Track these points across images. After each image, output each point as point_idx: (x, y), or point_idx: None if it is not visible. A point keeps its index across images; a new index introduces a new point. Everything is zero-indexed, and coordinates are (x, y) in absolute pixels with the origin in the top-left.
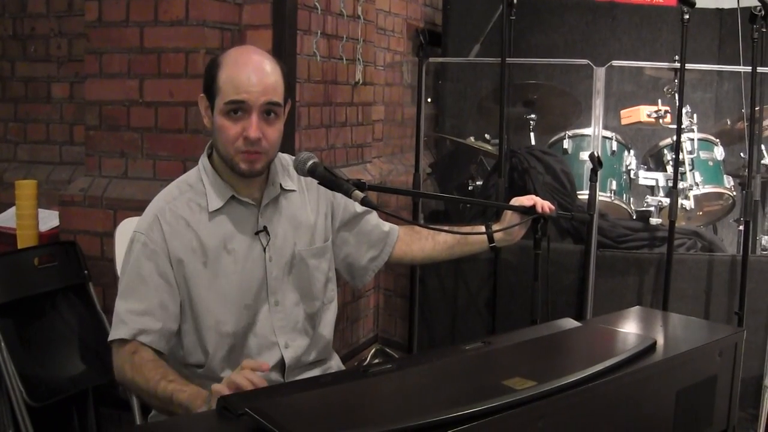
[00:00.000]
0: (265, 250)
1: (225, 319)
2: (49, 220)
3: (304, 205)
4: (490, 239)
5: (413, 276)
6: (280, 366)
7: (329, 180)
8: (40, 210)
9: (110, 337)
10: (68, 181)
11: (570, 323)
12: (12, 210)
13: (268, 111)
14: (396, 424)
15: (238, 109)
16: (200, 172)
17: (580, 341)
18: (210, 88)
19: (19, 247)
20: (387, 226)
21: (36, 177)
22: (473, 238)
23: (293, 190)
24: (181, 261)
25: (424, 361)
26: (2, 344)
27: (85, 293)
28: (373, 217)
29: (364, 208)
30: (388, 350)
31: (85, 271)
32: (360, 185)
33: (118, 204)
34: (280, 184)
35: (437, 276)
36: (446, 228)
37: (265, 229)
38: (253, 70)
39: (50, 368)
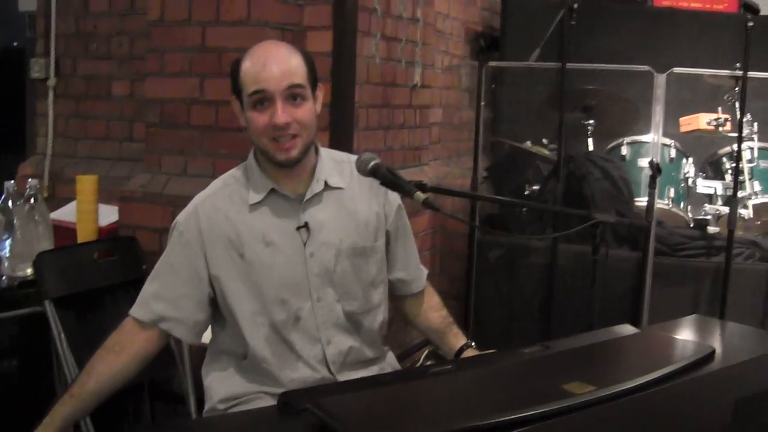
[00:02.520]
0: (305, 245)
1: (262, 311)
2: (109, 215)
3: (352, 204)
4: (457, 355)
5: (469, 279)
6: (324, 361)
7: (391, 181)
8: (99, 205)
9: (130, 312)
10: (127, 177)
11: (628, 329)
12: (72, 205)
13: (293, 96)
14: (456, 425)
15: (262, 99)
16: (247, 166)
17: (638, 348)
18: (236, 88)
19: (79, 241)
20: (421, 267)
21: (95, 173)
22: (448, 344)
23: (340, 188)
24: (217, 253)
25: (483, 363)
26: (62, 336)
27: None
28: (415, 249)
29: (409, 230)
30: (440, 353)
31: (144, 266)
32: (422, 186)
33: (177, 201)
34: (326, 181)
35: (492, 280)
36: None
37: (306, 225)
38: (269, 59)
39: None
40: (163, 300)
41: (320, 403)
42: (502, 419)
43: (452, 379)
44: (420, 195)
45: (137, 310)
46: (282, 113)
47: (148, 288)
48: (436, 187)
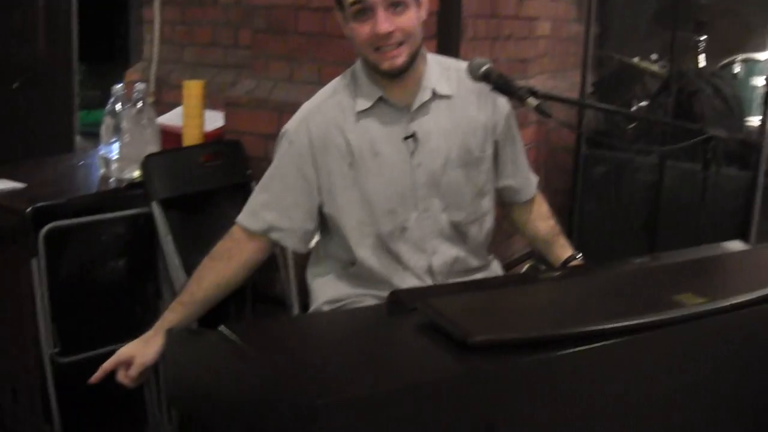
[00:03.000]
0: (413, 155)
1: (368, 221)
2: (214, 121)
3: (460, 112)
4: (563, 265)
5: (572, 195)
6: (429, 271)
7: (503, 86)
8: (205, 111)
9: (237, 219)
10: (233, 83)
11: (739, 245)
12: (178, 110)
13: (395, 4)
14: (565, 329)
15: (363, 9)
16: (353, 74)
17: (750, 263)
18: (338, 1)
19: (185, 145)
20: (531, 175)
21: (201, 79)
22: (555, 254)
23: (448, 96)
24: (326, 161)
25: (593, 270)
26: (168, 237)
27: (247, 192)
28: (524, 156)
29: (519, 137)
30: (542, 267)
31: (249, 171)
32: (533, 92)
33: (283, 107)
34: (433, 89)
35: (596, 196)
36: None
37: (413, 134)
38: None
39: None
40: (273, 209)
41: (430, 303)
42: (613, 326)
43: (562, 285)
44: (532, 100)
45: (246, 219)
46: (383, 22)
47: (258, 197)
48: (547, 94)
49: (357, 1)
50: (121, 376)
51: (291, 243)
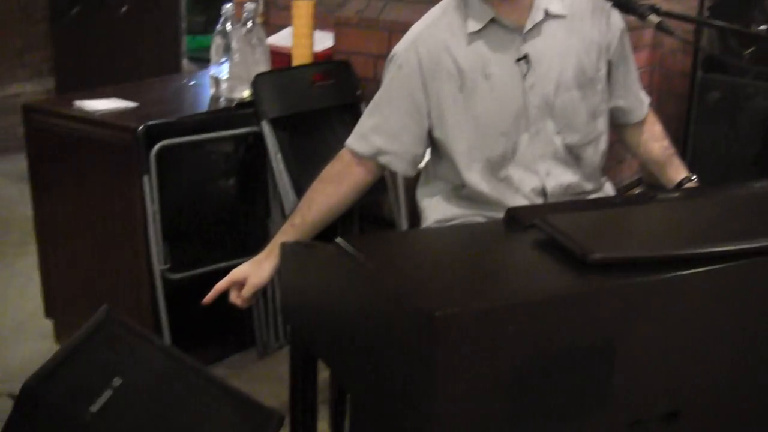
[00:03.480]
0: (525, 77)
1: (478, 144)
2: (323, 41)
3: (573, 33)
4: (678, 186)
5: (687, 121)
6: (542, 194)
7: (624, 1)
8: (314, 31)
9: (347, 142)
10: (342, 3)
11: None
12: (286, 30)
13: None
14: (684, 249)
15: None
16: None
17: None
18: None
19: (295, 65)
20: (643, 95)
21: None
22: (668, 176)
23: (562, 16)
24: (436, 85)
25: (710, 192)
26: (278, 156)
27: (357, 113)
28: (636, 76)
29: (631, 56)
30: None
31: (358, 92)
32: (656, 9)
33: (394, 26)
34: (546, 9)
35: (711, 122)
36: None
37: (526, 56)
38: None
39: None
40: (382, 133)
41: (549, 220)
42: (732, 248)
43: (679, 206)
44: (654, 18)
45: (355, 143)
46: None
47: (367, 121)
48: (669, 11)
49: None
50: (234, 297)
51: (399, 167)
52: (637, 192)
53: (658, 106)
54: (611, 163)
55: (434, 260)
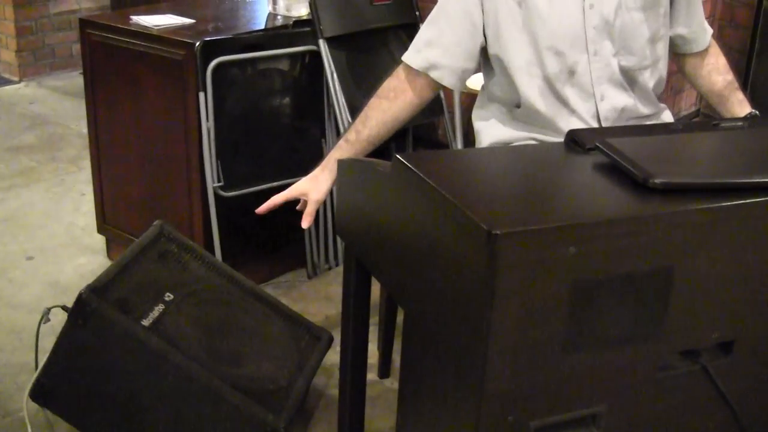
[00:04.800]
0: None
1: (536, 61)
2: None
3: None
4: (744, 119)
5: (751, 52)
6: (596, 117)
7: None
8: None
9: (403, 57)
10: None
11: None
12: None
13: None
14: (747, 178)
15: None
16: None
17: None
18: None
19: None
20: (706, 24)
21: None
22: (731, 110)
23: None
24: (493, 1)
25: None
26: (335, 75)
27: (414, 33)
28: (699, 4)
29: None
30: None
31: (417, 12)
32: None
33: None
34: None
35: None
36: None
37: None
38: None
39: None
40: (436, 47)
41: (610, 143)
42: None
43: (742, 135)
44: None
45: (410, 56)
46: None
47: (422, 35)
48: None
49: None
50: (304, 221)
51: (449, 81)
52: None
53: (720, 37)
54: (669, 93)
55: (494, 179)
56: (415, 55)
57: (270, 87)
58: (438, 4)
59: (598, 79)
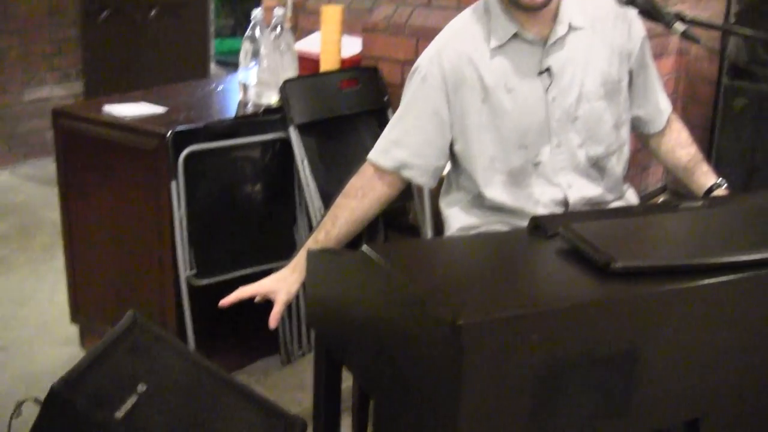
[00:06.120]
0: (548, 90)
1: (500, 157)
2: (351, 46)
3: (595, 44)
4: (707, 193)
5: (712, 128)
6: (564, 205)
7: (649, 10)
8: (342, 36)
9: (369, 156)
10: (370, 9)
11: None
12: (314, 35)
13: None
14: (707, 258)
15: None
16: (488, 5)
17: None
18: None
19: (322, 70)
20: (664, 103)
21: (339, 4)
22: (697, 182)
23: (585, 28)
24: (459, 98)
25: (734, 201)
26: (305, 161)
27: (384, 118)
28: (658, 84)
29: (652, 64)
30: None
31: (386, 97)
32: (681, 17)
33: (421, 32)
34: (570, 23)
35: (735, 130)
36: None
37: (548, 69)
38: None
39: None
40: (405, 147)
41: (572, 229)
42: (755, 257)
43: (702, 215)
44: (679, 26)
45: (378, 156)
46: None
47: (390, 134)
48: (694, 19)
49: None
50: (271, 322)
51: (422, 180)
52: (661, 200)
53: (684, 113)
54: (636, 170)
55: (458, 268)
56: (383, 155)
57: (242, 174)
58: (404, 101)
59: (564, 170)
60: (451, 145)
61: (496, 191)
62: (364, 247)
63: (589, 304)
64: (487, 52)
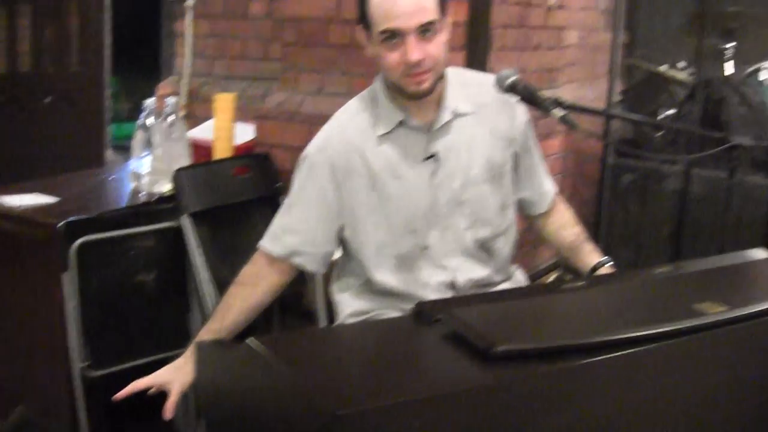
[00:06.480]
0: (434, 175)
1: (389, 242)
2: (245, 133)
3: (480, 129)
4: (593, 271)
5: (599, 204)
6: (452, 288)
7: (529, 97)
8: (236, 123)
9: (260, 243)
10: (263, 96)
11: (762, 254)
12: (208, 123)
13: (424, 30)
14: (589, 338)
15: (393, 35)
16: (375, 93)
17: None
18: (364, 18)
19: (215, 158)
20: (548, 185)
21: (232, 92)
22: (583, 261)
23: (469, 114)
24: (347, 186)
25: (615, 280)
26: (199, 250)
27: (277, 205)
28: (541, 166)
29: (535, 148)
30: (568, 277)
31: (279, 184)
32: (559, 103)
33: (313, 119)
34: (454, 109)
35: (623, 205)
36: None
37: (434, 155)
38: None
39: None
40: (295, 234)
41: (454, 314)
42: (634, 335)
43: (584, 295)
44: (558, 111)
45: (269, 244)
46: (415, 50)
47: (280, 221)
48: (573, 104)
49: (388, 29)
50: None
51: (312, 267)
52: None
53: (573, 191)
54: (528, 248)
55: (342, 358)
56: (273, 242)
57: (136, 263)
58: (293, 189)
59: (451, 252)
60: (341, 231)
61: (385, 276)
62: (249, 340)
63: (469, 390)
64: (374, 139)
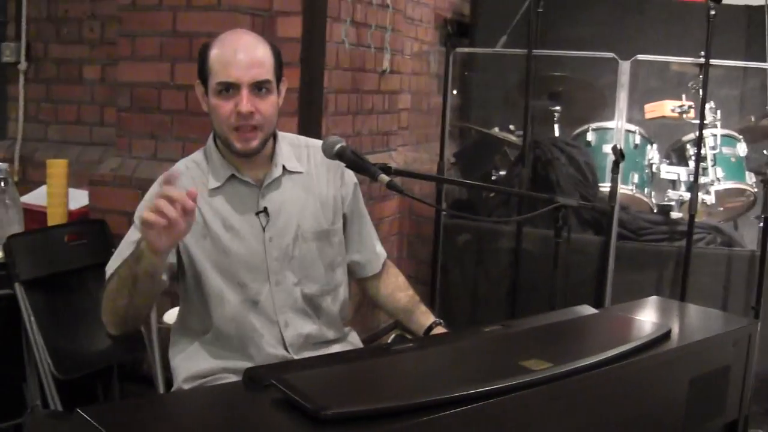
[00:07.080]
0: (265, 230)
1: (225, 290)
2: (79, 199)
3: (310, 187)
4: (426, 332)
5: (435, 263)
6: (282, 343)
7: (356, 163)
8: (70, 189)
9: (107, 268)
10: (98, 161)
11: (588, 310)
12: (42, 189)
13: (259, 87)
14: (417, 399)
15: (229, 87)
16: (208, 150)
17: (596, 327)
18: (202, 72)
19: (49, 225)
20: (379, 248)
21: (66, 157)
22: (417, 322)
23: (300, 172)
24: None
25: (445, 341)
26: (32, 318)
27: None
28: (371, 229)
29: (365, 211)
30: (407, 336)
31: (113, 249)
32: (386, 169)
33: (147, 184)
34: (284, 166)
35: (459, 264)
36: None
37: (265, 210)
38: (240, 49)
39: (78, 343)
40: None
41: (284, 379)
42: (460, 394)
43: (414, 356)
44: (384, 177)
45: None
46: (247, 102)
47: (125, 241)
48: (400, 169)
49: (225, 81)
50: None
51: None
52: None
53: (409, 251)
54: (367, 309)
55: (170, 428)
56: (117, 260)
57: None
58: (122, 241)
59: (282, 308)
60: (182, 276)
61: (222, 322)
62: (79, 409)
63: None
64: (206, 192)
